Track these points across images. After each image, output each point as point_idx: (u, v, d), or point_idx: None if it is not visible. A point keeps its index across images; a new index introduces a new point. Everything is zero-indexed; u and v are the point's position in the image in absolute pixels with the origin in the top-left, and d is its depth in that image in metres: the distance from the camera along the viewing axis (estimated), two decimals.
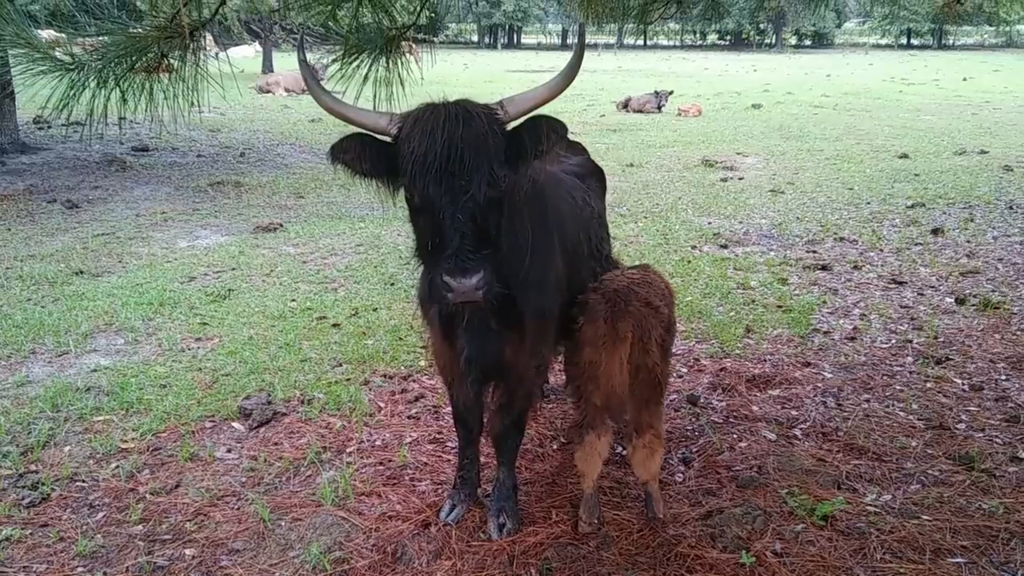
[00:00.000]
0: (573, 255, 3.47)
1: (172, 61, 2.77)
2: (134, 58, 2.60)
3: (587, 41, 2.88)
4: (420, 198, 2.61)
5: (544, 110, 2.82)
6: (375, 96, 3.36)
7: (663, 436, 3.40)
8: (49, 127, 14.95)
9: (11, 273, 6.97)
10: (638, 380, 3.19)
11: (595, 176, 4.33)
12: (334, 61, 3.16)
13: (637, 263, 4.05)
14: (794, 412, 4.57)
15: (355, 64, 3.11)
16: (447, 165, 2.50)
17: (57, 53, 2.58)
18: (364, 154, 2.73)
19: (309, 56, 2.98)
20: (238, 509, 3.66)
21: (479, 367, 3.18)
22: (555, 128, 2.72)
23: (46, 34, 3.12)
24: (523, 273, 3.02)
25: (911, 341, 5.60)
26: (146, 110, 2.87)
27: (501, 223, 2.69)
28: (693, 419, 4.51)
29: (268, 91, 23.89)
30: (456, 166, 2.50)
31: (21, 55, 2.49)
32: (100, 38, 2.75)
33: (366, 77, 3.20)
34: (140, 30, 2.65)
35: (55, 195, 10.14)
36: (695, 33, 76.58)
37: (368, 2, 3.06)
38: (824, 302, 6.45)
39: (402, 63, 3.24)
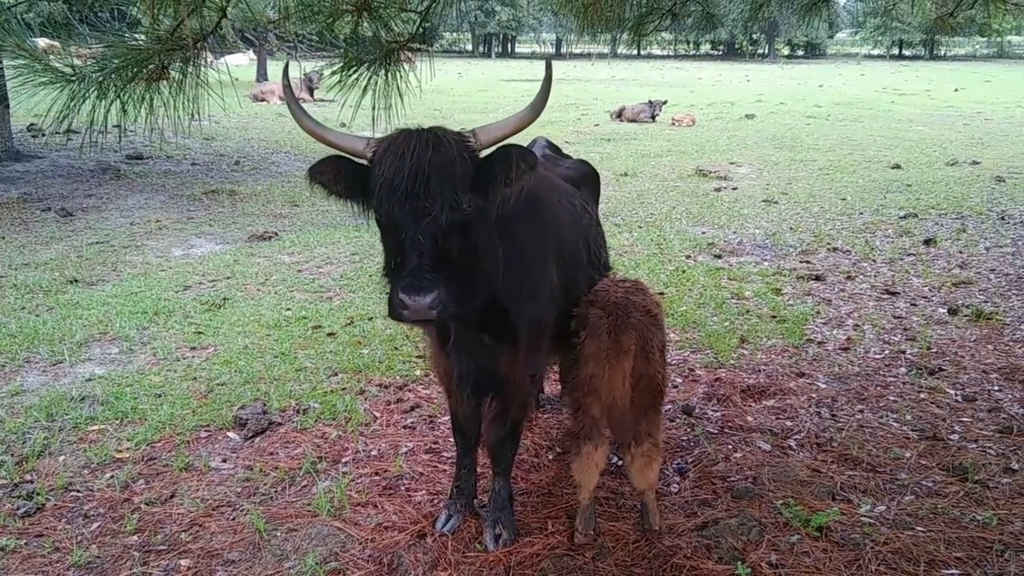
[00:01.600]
0: (571, 264, 3.49)
1: (173, 73, 2.78)
2: (135, 69, 2.61)
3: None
4: (386, 218, 2.70)
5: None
6: (374, 107, 3.38)
7: (661, 445, 3.41)
8: (43, 135, 14.93)
9: (5, 282, 6.95)
10: (639, 389, 3.21)
11: (591, 180, 4.36)
12: (333, 74, 3.18)
13: (625, 277, 4.06)
14: (788, 423, 4.59)
15: (354, 76, 3.13)
16: (413, 188, 2.57)
17: (57, 64, 2.59)
18: (340, 176, 2.82)
19: (306, 65, 3.02)
20: (233, 519, 3.66)
21: (472, 382, 3.24)
22: (525, 158, 2.78)
23: (42, 43, 3.13)
24: (516, 285, 3.05)
25: (904, 352, 5.63)
26: (146, 121, 2.89)
27: (465, 247, 2.73)
28: (688, 429, 4.52)
29: (263, 100, 23.90)
30: (421, 189, 2.57)
31: (22, 66, 2.49)
32: (99, 48, 2.76)
33: (365, 88, 3.21)
34: (141, 42, 2.66)
35: (49, 203, 10.11)
36: (688, 43, 77.11)
37: (367, 14, 3.08)
38: (818, 312, 6.48)
39: (400, 75, 3.26)
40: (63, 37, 2.92)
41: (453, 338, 3.15)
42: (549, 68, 3.01)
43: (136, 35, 2.91)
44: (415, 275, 2.56)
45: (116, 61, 2.56)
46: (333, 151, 2.89)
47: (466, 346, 3.16)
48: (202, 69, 2.90)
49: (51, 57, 2.66)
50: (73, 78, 2.55)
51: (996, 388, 5.01)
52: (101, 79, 2.54)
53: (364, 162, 2.80)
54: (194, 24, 2.65)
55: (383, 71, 3.11)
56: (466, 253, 2.74)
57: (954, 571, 3.24)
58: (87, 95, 2.56)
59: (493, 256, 2.95)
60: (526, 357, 3.20)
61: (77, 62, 2.63)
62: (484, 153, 2.82)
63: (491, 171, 2.77)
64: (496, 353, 3.15)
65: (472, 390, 3.30)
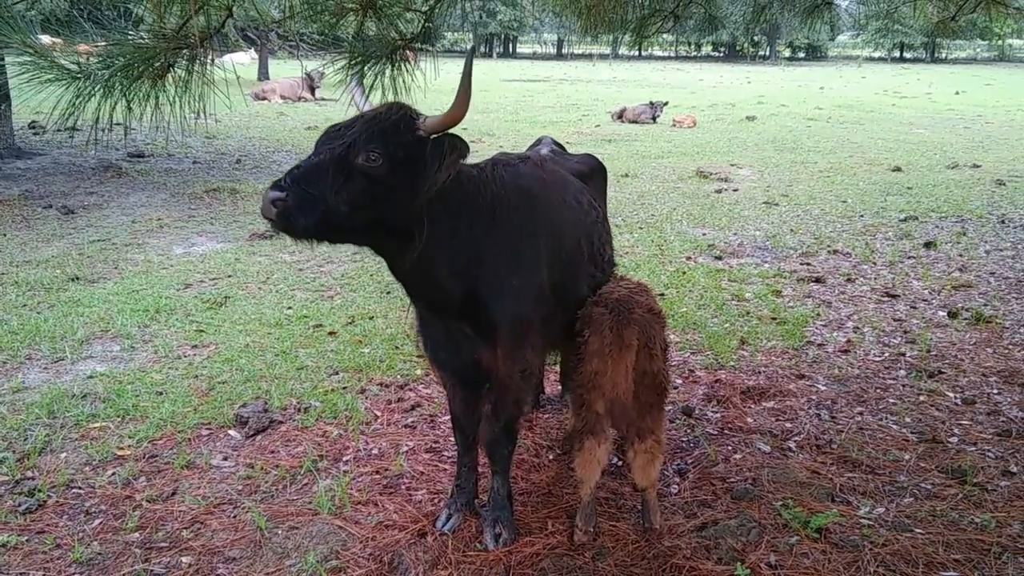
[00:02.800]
0: (568, 262, 3.49)
1: (179, 71, 2.79)
2: (141, 67, 2.62)
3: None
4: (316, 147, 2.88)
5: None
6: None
7: (664, 443, 3.42)
8: (45, 132, 14.93)
9: (6, 279, 6.96)
10: (642, 385, 3.23)
11: (599, 174, 4.37)
12: (338, 71, 3.19)
13: (624, 277, 4.06)
14: (788, 424, 4.60)
15: (359, 75, 3.14)
16: (340, 129, 2.83)
17: (63, 61, 2.60)
18: None
19: (309, 64, 3.09)
20: (234, 517, 3.67)
21: (452, 371, 3.33)
22: (456, 146, 2.87)
23: (44, 40, 3.13)
24: (498, 282, 3.11)
25: (904, 354, 5.64)
26: (152, 118, 2.90)
27: (367, 198, 2.80)
28: (688, 430, 4.54)
29: (264, 98, 23.88)
30: (345, 131, 2.80)
31: (27, 63, 2.50)
32: (104, 46, 2.77)
33: (372, 86, 3.23)
34: (147, 40, 2.67)
35: (50, 201, 10.12)
36: (690, 44, 77.15)
37: (372, 13, 3.10)
38: (818, 314, 6.50)
39: (408, 71, 3.27)
40: (66, 34, 2.93)
41: (426, 323, 3.28)
42: (469, 63, 2.92)
43: (140, 33, 2.92)
44: (285, 177, 2.72)
45: (122, 59, 2.57)
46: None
47: (444, 336, 3.24)
48: (207, 67, 2.91)
49: (56, 54, 2.67)
50: (79, 75, 2.56)
51: (995, 391, 5.03)
52: (107, 76, 2.55)
53: None
54: (200, 22, 2.66)
55: (389, 70, 3.11)
56: (362, 203, 2.79)
57: (952, 573, 3.25)
58: (93, 92, 2.57)
59: (416, 230, 2.95)
60: (510, 353, 3.21)
61: (82, 59, 2.65)
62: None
63: (425, 149, 2.85)
64: (478, 347, 3.20)
65: (461, 383, 3.37)
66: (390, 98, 3.11)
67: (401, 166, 2.81)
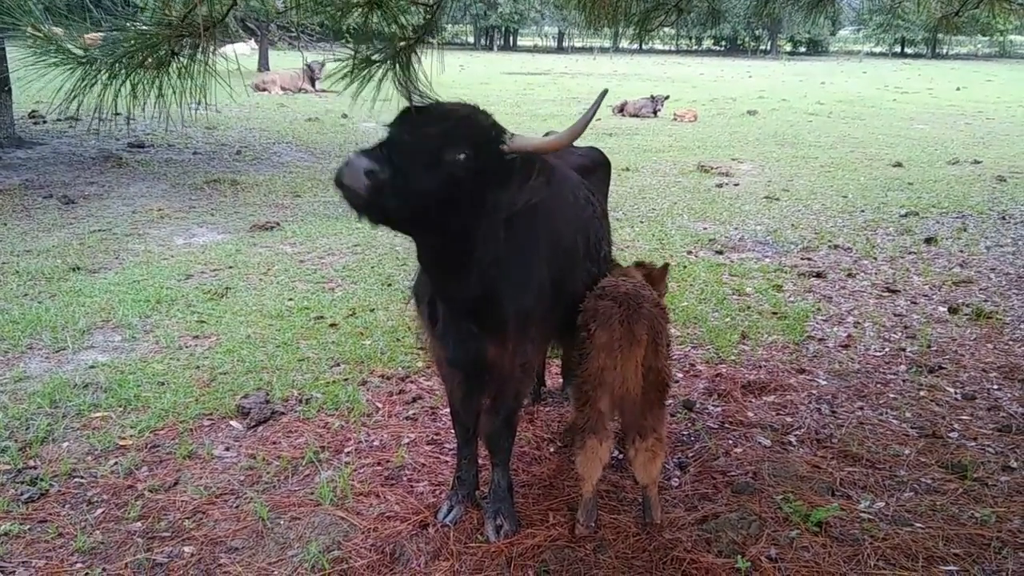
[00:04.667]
0: (566, 258, 3.50)
1: (182, 59, 2.78)
2: (145, 54, 2.62)
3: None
4: (395, 128, 2.70)
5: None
6: (384, 98, 3.37)
7: (665, 440, 3.42)
8: (45, 122, 14.91)
9: (7, 268, 6.95)
10: (647, 382, 3.22)
11: (602, 167, 4.36)
12: (343, 67, 3.17)
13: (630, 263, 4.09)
14: (789, 419, 4.61)
15: (366, 71, 3.13)
16: (429, 117, 2.69)
17: (69, 45, 2.60)
18: None
19: (309, 56, 3.07)
20: (237, 507, 3.67)
21: (462, 369, 3.28)
22: (545, 170, 2.85)
23: (55, 29, 3.13)
24: (508, 279, 3.09)
25: (904, 350, 5.65)
26: (155, 106, 2.90)
27: (442, 200, 2.68)
28: (689, 424, 4.54)
29: (264, 89, 23.81)
30: (434, 122, 2.67)
31: (34, 46, 2.50)
32: (108, 32, 2.77)
33: (381, 81, 3.21)
34: (151, 27, 2.67)
35: (51, 191, 10.11)
36: (691, 38, 76.92)
37: (378, 8, 3.09)
38: (818, 309, 6.50)
39: (417, 64, 3.26)
40: (72, 21, 2.93)
41: (441, 322, 3.18)
42: (601, 98, 2.91)
43: (144, 20, 2.91)
44: (376, 147, 2.57)
45: (126, 45, 2.56)
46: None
47: (455, 333, 3.18)
48: (210, 56, 2.91)
49: (62, 39, 2.67)
50: (84, 60, 2.56)
51: (995, 387, 5.04)
52: (112, 62, 2.55)
53: None
54: (204, 10, 2.65)
55: (395, 64, 3.10)
56: (436, 203, 2.68)
57: (952, 567, 3.26)
58: (97, 78, 2.57)
59: (482, 241, 2.92)
60: (513, 347, 3.22)
61: (87, 44, 2.65)
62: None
63: (511, 167, 2.80)
64: (483, 342, 3.17)
65: (463, 378, 3.34)
66: (396, 94, 3.07)
67: (484, 175, 2.74)
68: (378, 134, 2.83)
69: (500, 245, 2.98)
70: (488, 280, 3.03)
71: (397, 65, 3.00)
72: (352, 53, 3.09)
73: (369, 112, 3.43)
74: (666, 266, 3.98)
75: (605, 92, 3.01)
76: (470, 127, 2.73)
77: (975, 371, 5.27)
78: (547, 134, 4.48)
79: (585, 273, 3.65)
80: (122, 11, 2.78)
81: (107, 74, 2.57)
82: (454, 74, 35.01)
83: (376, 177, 2.48)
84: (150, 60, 2.64)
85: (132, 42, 2.55)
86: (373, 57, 3.05)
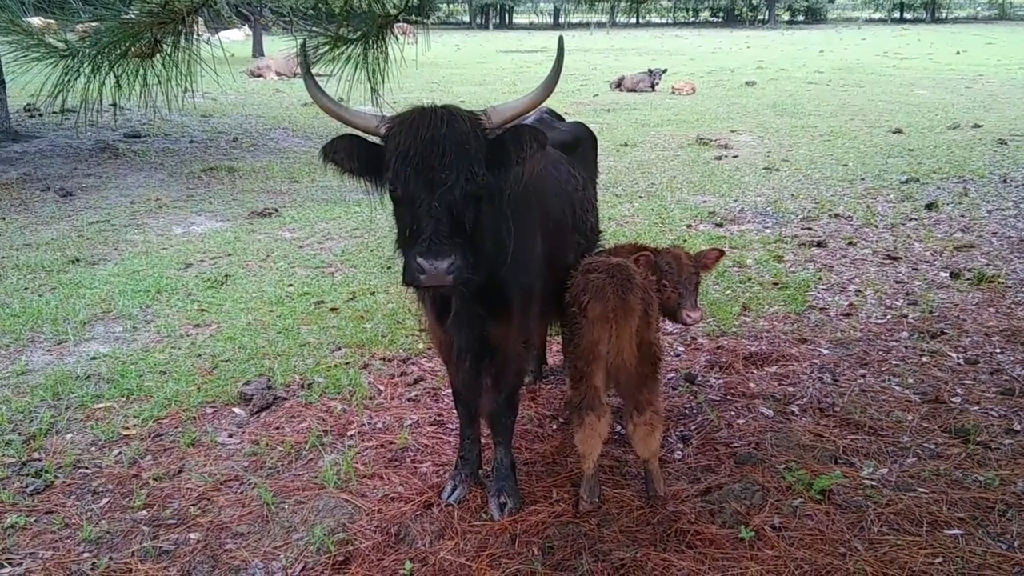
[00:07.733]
0: (556, 231, 3.54)
1: (165, 47, 2.76)
2: (127, 44, 2.59)
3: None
4: (401, 190, 2.75)
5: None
6: (370, 79, 3.35)
7: (662, 413, 3.42)
8: (40, 115, 14.85)
9: (7, 262, 6.96)
10: (640, 355, 3.22)
11: (587, 142, 4.34)
12: (324, 44, 3.15)
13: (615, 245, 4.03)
14: (791, 388, 4.60)
15: (346, 50, 3.10)
16: (428, 159, 2.66)
17: (51, 39, 2.57)
18: (353, 154, 2.91)
19: (298, 39, 3.02)
20: (241, 493, 3.69)
21: (457, 347, 3.29)
22: (536, 136, 2.85)
23: (36, 21, 3.10)
24: (506, 255, 3.10)
25: (906, 316, 5.63)
26: (140, 96, 2.87)
27: (478, 220, 2.81)
28: (691, 397, 4.54)
29: (259, 75, 23.71)
30: (437, 160, 2.66)
31: (16, 42, 2.48)
32: (92, 24, 2.74)
33: (358, 63, 3.19)
34: (132, 15, 2.64)
35: (48, 183, 10.09)
36: (688, 10, 76.29)
37: None
38: (820, 279, 6.48)
39: (397, 42, 3.23)
40: (57, 14, 2.90)
41: (454, 312, 3.17)
42: (561, 45, 3.03)
43: (129, 10, 2.88)
44: (433, 240, 2.61)
45: (108, 35, 2.54)
46: (346, 129, 2.97)
47: (465, 319, 3.18)
48: (195, 43, 2.88)
49: (45, 34, 2.65)
50: (66, 53, 2.53)
51: (998, 351, 5.02)
52: (95, 54, 2.53)
53: (377, 140, 2.87)
54: None
55: (376, 43, 3.08)
56: (478, 226, 2.81)
57: (956, 531, 3.27)
58: (80, 70, 2.55)
59: (504, 231, 3.03)
60: (519, 326, 3.26)
61: (72, 36, 2.62)
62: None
63: (503, 149, 2.85)
64: (491, 323, 3.19)
65: (463, 358, 3.34)
66: (374, 74, 3.07)
67: (492, 170, 2.82)
68: (374, 126, 2.86)
69: (508, 225, 3.02)
70: (492, 261, 3.05)
71: (370, 44, 2.97)
72: (330, 33, 3.06)
73: (363, 99, 3.41)
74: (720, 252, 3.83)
75: (561, 39, 3.15)
76: (467, 147, 2.72)
77: (977, 335, 5.25)
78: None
79: (574, 245, 3.68)
80: (105, 1, 2.75)
81: (90, 66, 2.55)
82: (450, 53, 34.78)
83: (456, 266, 2.62)
84: (133, 49, 2.61)
85: (114, 32, 2.52)
86: (349, 36, 3.02)
